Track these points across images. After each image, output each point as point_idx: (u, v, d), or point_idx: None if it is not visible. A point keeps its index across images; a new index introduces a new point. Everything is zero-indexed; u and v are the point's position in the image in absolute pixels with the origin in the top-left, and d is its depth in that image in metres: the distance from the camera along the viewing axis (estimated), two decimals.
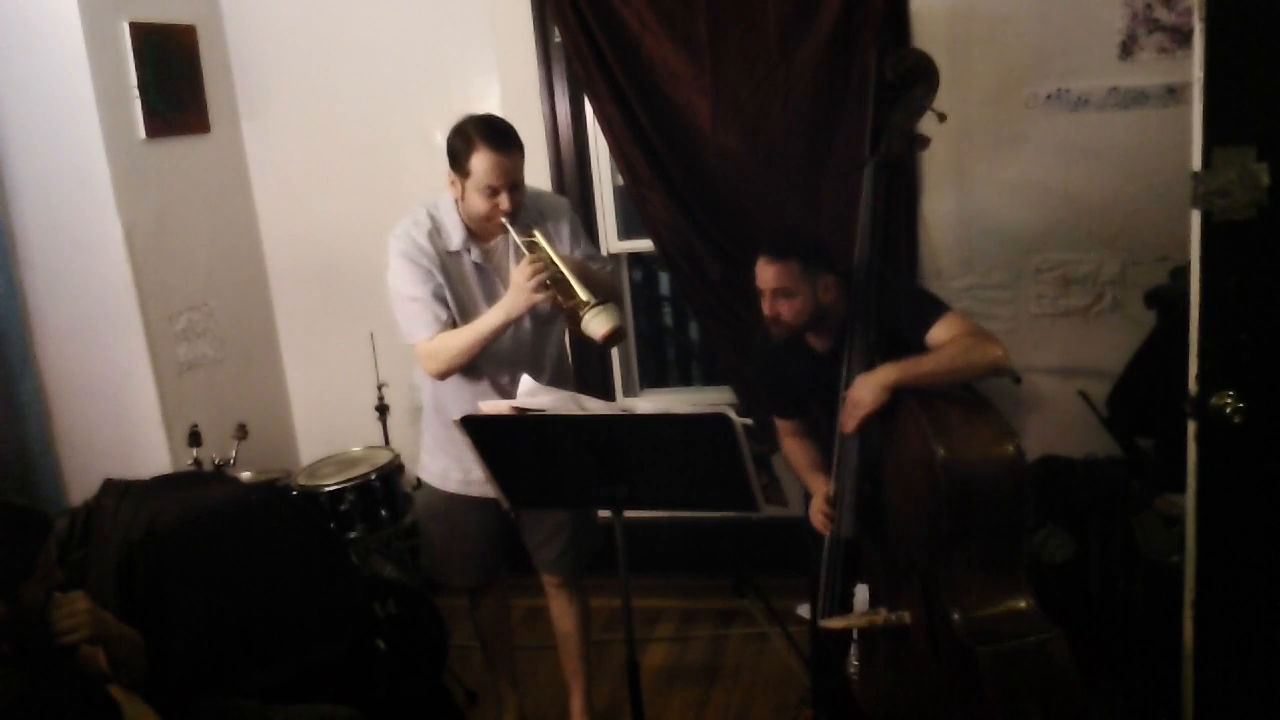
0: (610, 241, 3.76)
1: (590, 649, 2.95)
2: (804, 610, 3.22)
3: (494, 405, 2.20)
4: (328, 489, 3.09)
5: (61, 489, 3.45)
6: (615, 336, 2.30)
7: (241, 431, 3.24)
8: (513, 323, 2.42)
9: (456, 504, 2.69)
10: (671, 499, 2.26)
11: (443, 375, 2.51)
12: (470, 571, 2.82)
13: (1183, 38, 2.98)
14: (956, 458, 2.10)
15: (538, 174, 3.57)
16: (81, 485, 3.31)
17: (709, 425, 1.96)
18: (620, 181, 3.59)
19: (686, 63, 3.27)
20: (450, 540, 2.79)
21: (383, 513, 3.17)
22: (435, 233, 2.52)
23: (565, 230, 2.60)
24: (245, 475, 3.18)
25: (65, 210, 3.32)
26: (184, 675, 2.30)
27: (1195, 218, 1.87)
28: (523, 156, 2.47)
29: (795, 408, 2.72)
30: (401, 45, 3.69)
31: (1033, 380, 3.25)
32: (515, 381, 2.50)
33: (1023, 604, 2.14)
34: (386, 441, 3.63)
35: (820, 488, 2.54)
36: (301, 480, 3.20)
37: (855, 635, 2.52)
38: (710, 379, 4.21)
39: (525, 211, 2.50)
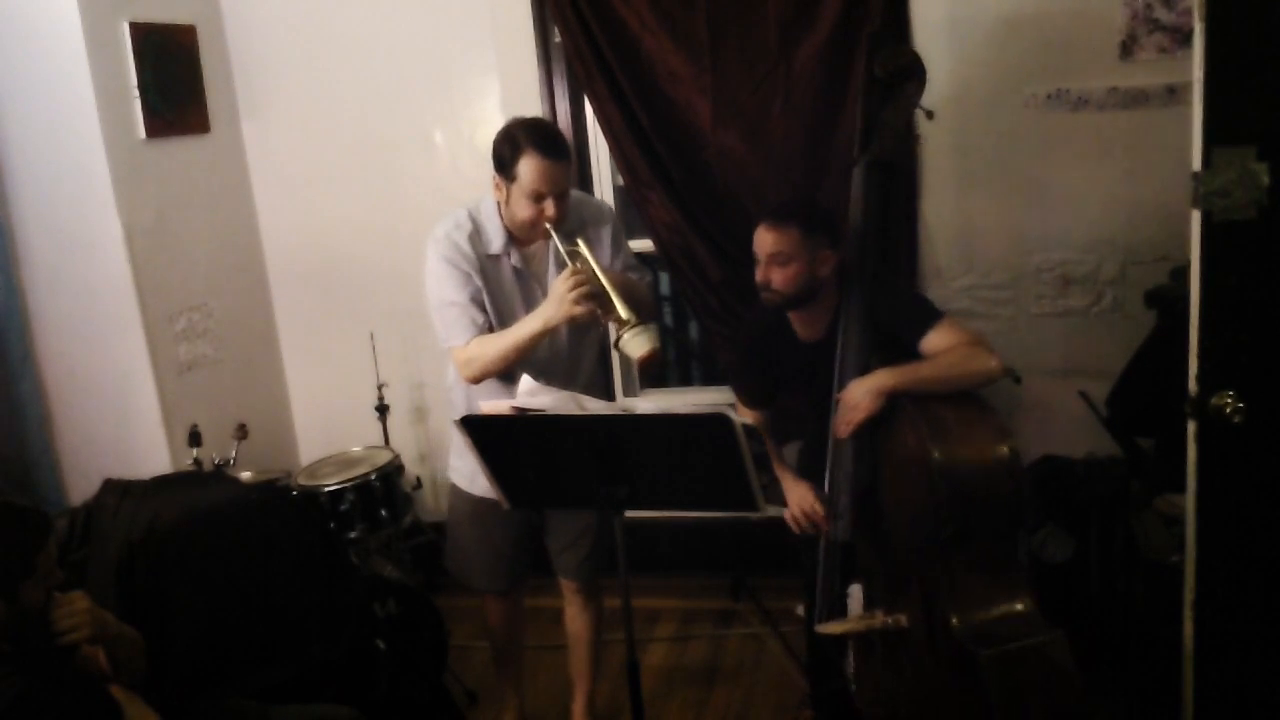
0: None
1: (599, 652, 2.96)
2: (802, 610, 3.21)
3: (494, 405, 2.20)
4: (328, 489, 3.09)
5: (61, 489, 3.45)
6: (652, 358, 2.29)
7: (241, 431, 3.24)
8: (550, 332, 2.40)
9: (485, 508, 2.66)
10: (671, 499, 2.26)
11: (477, 380, 2.48)
12: (497, 575, 2.80)
13: (1183, 38, 2.98)
14: (954, 460, 2.10)
15: None
16: (81, 485, 3.31)
17: (709, 425, 1.96)
18: (620, 181, 3.59)
19: (686, 63, 3.27)
20: (479, 544, 2.77)
21: (383, 513, 3.17)
22: (476, 235, 2.49)
23: (607, 238, 2.58)
24: (245, 475, 3.18)
25: (65, 210, 3.32)
26: (184, 675, 2.30)
27: (1195, 218, 1.87)
28: (571, 163, 2.45)
29: (765, 398, 2.69)
30: (401, 45, 3.69)
31: (1033, 380, 3.24)
32: (554, 384, 2.51)
33: (1021, 605, 2.13)
34: (386, 441, 3.63)
35: (790, 483, 2.51)
36: (301, 480, 3.20)
37: (850, 639, 2.51)
38: (710, 379, 4.21)
39: (568, 217, 2.47)
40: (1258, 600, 2.03)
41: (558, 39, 3.49)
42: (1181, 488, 2.03)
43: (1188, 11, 2.89)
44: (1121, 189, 3.15)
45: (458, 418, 2.68)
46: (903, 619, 2.26)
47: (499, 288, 2.52)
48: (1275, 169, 1.80)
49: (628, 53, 3.31)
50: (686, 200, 3.38)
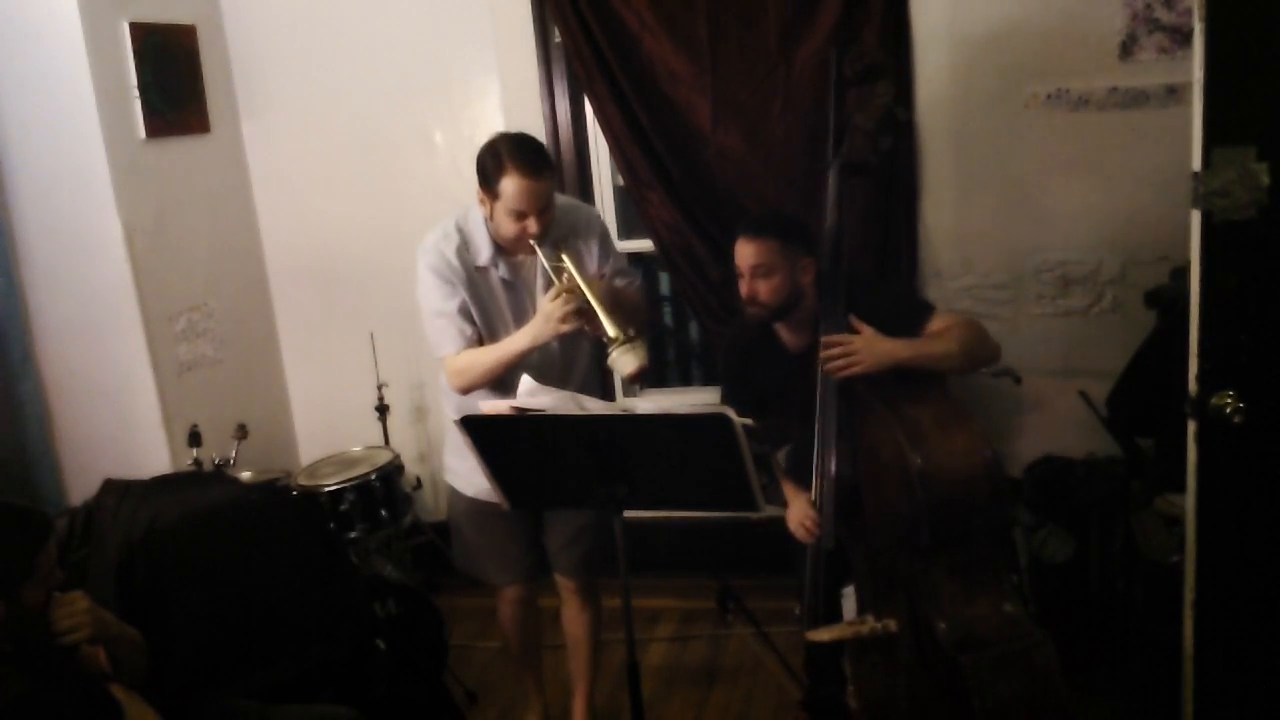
0: None
1: (599, 652, 2.96)
2: (799, 610, 3.21)
3: (494, 405, 2.20)
4: (328, 489, 3.09)
5: (61, 489, 3.45)
6: (641, 374, 2.32)
7: (241, 431, 3.24)
8: (538, 347, 2.42)
9: (485, 506, 2.67)
10: (671, 499, 2.26)
11: (466, 391, 2.50)
12: (508, 570, 2.80)
13: (1183, 38, 2.98)
14: (932, 466, 2.09)
15: None
16: (81, 485, 3.31)
17: (709, 425, 1.96)
18: (620, 181, 3.59)
19: (686, 63, 3.27)
20: (483, 544, 2.77)
21: (383, 513, 3.17)
22: (464, 248, 2.50)
23: (595, 246, 2.58)
24: (245, 475, 3.18)
25: (65, 210, 3.31)
26: (184, 675, 2.30)
27: (1195, 218, 1.87)
28: (554, 179, 2.46)
29: (757, 409, 2.66)
30: (401, 45, 3.69)
31: (1033, 380, 3.25)
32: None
33: (1008, 607, 2.13)
34: (386, 441, 3.64)
35: (790, 494, 2.52)
36: (301, 480, 3.20)
37: (845, 644, 2.51)
38: (710, 379, 4.21)
39: (555, 227, 2.47)
40: (1258, 600, 2.03)
41: (558, 39, 3.49)
42: (1181, 488, 2.03)
43: (1188, 11, 2.89)
44: (1121, 188, 3.15)
45: (456, 418, 2.70)
46: (891, 624, 2.26)
47: (488, 299, 2.53)
48: (1275, 169, 1.80)
49: (628, 53, 3.31)
50: (686, 200, 3.38)
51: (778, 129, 3.26)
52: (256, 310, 4.00)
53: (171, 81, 3.52)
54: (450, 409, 2.66)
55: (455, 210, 2.58)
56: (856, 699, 2.52)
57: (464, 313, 2.48)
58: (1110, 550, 2.94)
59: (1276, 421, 1.90)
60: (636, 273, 2.76)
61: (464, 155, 3.66)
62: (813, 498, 2.45)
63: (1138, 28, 3.05)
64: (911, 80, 3.22)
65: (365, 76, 3.74)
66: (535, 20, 3.53)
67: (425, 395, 3.92)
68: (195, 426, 3.13)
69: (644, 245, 3.66)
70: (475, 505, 2.68)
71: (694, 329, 4.46)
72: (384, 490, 3.18)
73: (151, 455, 3.41)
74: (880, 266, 3.30)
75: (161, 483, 2.61)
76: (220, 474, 3.02)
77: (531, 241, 2.40)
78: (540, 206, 2.38)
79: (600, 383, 2.85)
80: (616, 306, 2.40)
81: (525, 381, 2.24)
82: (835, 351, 2.28)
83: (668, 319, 4.62)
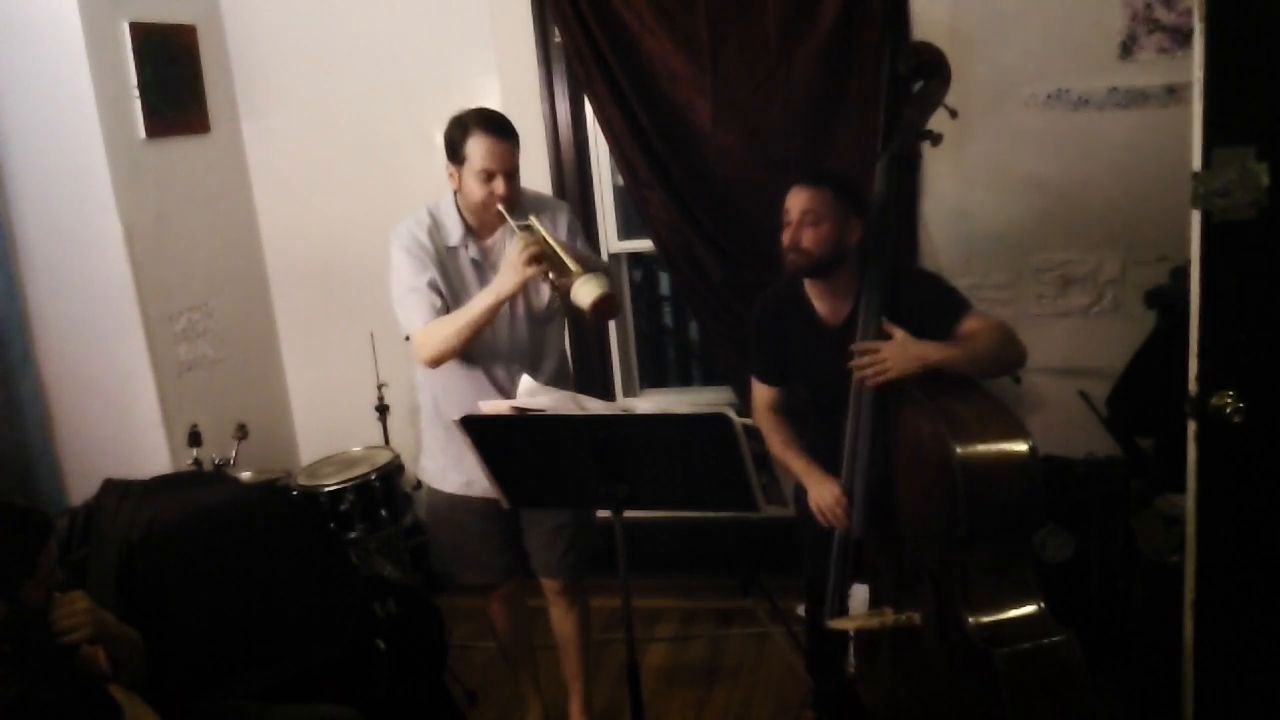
0: (610, 241, 3.76)
1: (590, 651, 2.95)
2: (803, 610, 3.21)
3: (494, 405, 2.20)
4: (328, 489, 3.09)
5: (61, 489, 3.45)
6: (605, 306, 2.27)
7: (241, 431, 3.24)
8: (503, 303, 2.40)
9: (458, 506, 2.69)
10: (671, 499, 2.25)
11: (435, 362, 2.49)
12: (482, 570, 2.80)
13: (1183, 38, 2.98)
14: (974, 457, 2.08)
15: (537, 174, 3.57)
16: (81, 485, 3.31)
17: (709, 425, 1.96)
18: (620, 181, 3.59)
19: (686, 63, 3.28)
20: (457, 542, 2.78)
21: (383, 513, 3.17)
22: (435, 229, 2.55)
23: (563, 228, 2.60)
24: (245, 475, 3.18)
25: (65, 210, 3.32)
26: (184, 675, 2.30)
27: (1195, 218, 1.87)
28: (518, 147, 2.50)
29: (780, 374, 2.65)
30: (401, 45, 3.69)
31: (1033, 380, 3.25)
32: (512, 377, 2.52)
33: (1034, 606, 2.12)
34: (386, 441, 3.63)
35: (819, 478, 2.48)
36: (301, 480, 3.20)
37: (852, 635, 2.51)
38: (710, 379, 4.21)
39: (524, 208, 2.52)
40: (1258, 600, 2.03)
41: (558, 39, 3.49)
42: (1181, 488, 2.03)
43: (1188, 11, 2.89)
44: (1121, 189, 3.15)
45: (429, 420, 2.71)
46: (915, 617, 2.25)
47: (458, 279, 2.55)
48: (1275, 169, 1.80)
49: (628, 53, 3.31)
50: (686, 200, 3.38)
51: (778, 129, 3.26)
52: (256, 310, 4.00)
53: (171, 81, 3.52)
54: (430, 410, 2.67)
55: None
56: (865, 695, 2.52)
57: (433, 288, 2.50)
58: (1110, 550, 2.95)
59: (1276, 421, 1.91)
60: (608, 265, 2.78)
61: None
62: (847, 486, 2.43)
63: (1138, 28, 3.05)
64: None
65: (365, 76, 3.74)
66: (535, 20, 3.54)
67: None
68: (195, 426, 3.13)
69: (644, 245, 3.66)
70: (451, 501, 2.70)
71: (694, 329, 4.46)
72: (384, 490, 3.18)
73: (151, 455, 3.41)
74: None
75: (161, 483, 2.61)
76: (220, 474, 3.02)
77: (500, 208, 2.43)
78: (506, 167, 2.44)
79: (572, 377, 2.84)
80: (581, 257, 2.42)
81: (525, 381, 2.24)
82: (864, 360, 2.29)
83: (668, 319, 4.62)
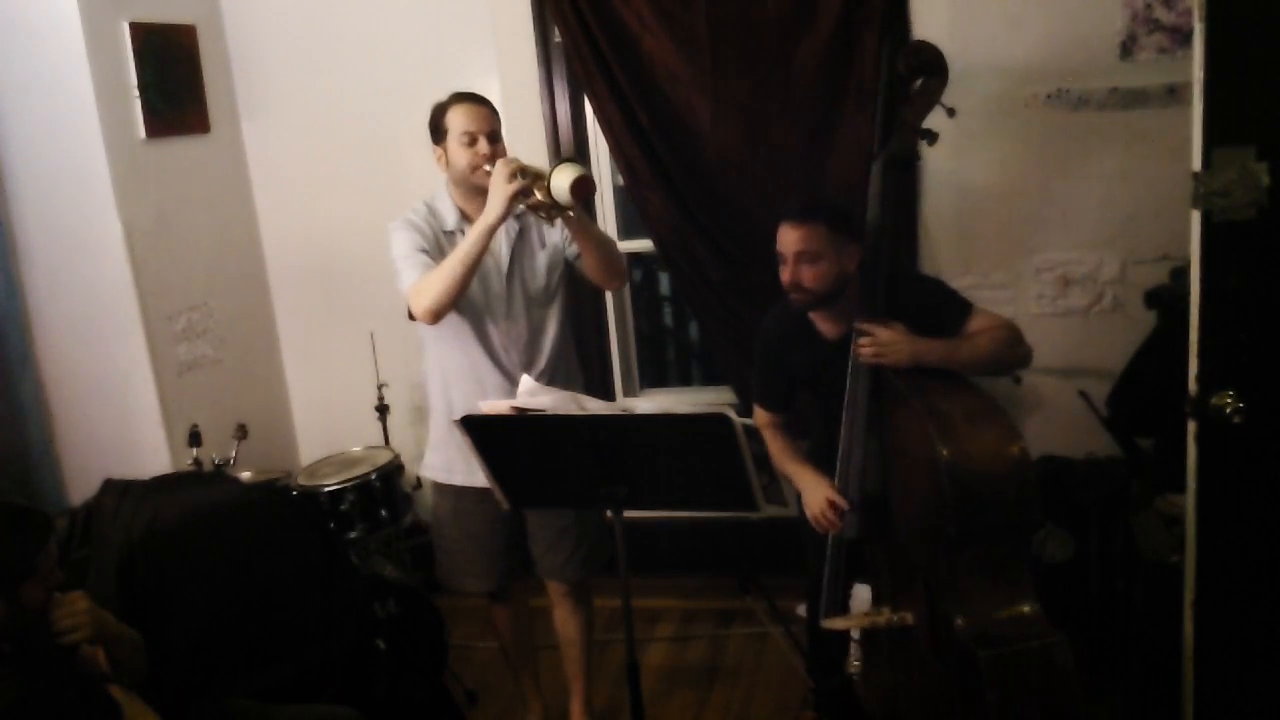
0: None
1: (593, 652, 2.95)
2: (804, 610, 3.22)
3: (494, 405, 2.20)
4: (328, 489, 3.09)
5: (61, 489, 3.45)
6: (583, 187, 2.28)
7: (241, 431, 3.24)
8: (493, 230, 2.38)
9: (464, 500, 2.68)
10: (671, 499, 2.26)
11: (433, 313, 2.43)
12: (486, 574, 2.79)
13: (1183, 38, 2.98)
14: (961, 459, 2.07)
15: None
16: (81, 485, 3.31)
17: (709, 425, 1.96)
18: (620, 181, 3.59)
19: (686, 63, 3.28)
20: (461, 545, 2.77)
21: (383, 513, 3.17)
22: (431, 216, 2.60)
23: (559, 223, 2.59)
24: (245, 475, 3.18)
25: (65, 210, 3.32)
26: (184, 675, 2.30)
27: (1195, 218, 1.87)
28: (497, 116, 2.57)
29: (784, 400, 2.67)
30: (401, 45, 3.69)
31: (1033, 380, 3.25)
32: (513, 359, 2.56)
33: (1026, 608, 2.12)
34: (386, 441, 3.63)
35: (812, 482, 2.50)
36: (301, 480, 3.20)
37: (858, 635, 2.51)
38: (710, 379, 4.21)
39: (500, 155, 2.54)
40: (1258, 600, 2.03)
41: (558, 39, 3.49)
42: (1181, 488, 2.03)
43: (1188, 11, 2.89)
44: (1121, 189, 3.15)
45: (435, 414, 2.71)
46: (908, 616, 2.26)
47: None
48: (1275, 169, 1.80)
49: (628, 53, 3.31)
50: (686, 200, 3.38)
51: (778, 129, 3.26)
52: (256, 310, 4.00)
53: (171, 81, 3.52)
54: (440, 405, 2.67)
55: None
56: (866, 694, 2.52)
57: (427, 254, 2.51)
58: (1110, 550, 2.95)
59: (1276, 421, 1.91)
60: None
61: None
62: (842, 488, 2.44)
63: (1138, 28, 3.05)
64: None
65: (365, 76, 3.74)
66: (535, 20, 3.54)
67: (425, 395, 3.90)
68: (195, 426, 3.13)
69: (644, 245, 3.66)
70: (456, 497, 2.69)
71: (694, 329, 4.46)
72: (384, 490, 3.18)
73: (151, 455, 3.41)
74: None
75: (161, 483, 2.61)
76: (220, 474, 3.02)
77: (487, 168, 2.44)
78: (487, 129, 2.51)
79: (578, 361, 2.83)
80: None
81: (525, 381, 2.24)
82: (864, 341, 2.30)
83: (668, 319, 4.62)
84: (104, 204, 3.29)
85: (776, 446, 2.65)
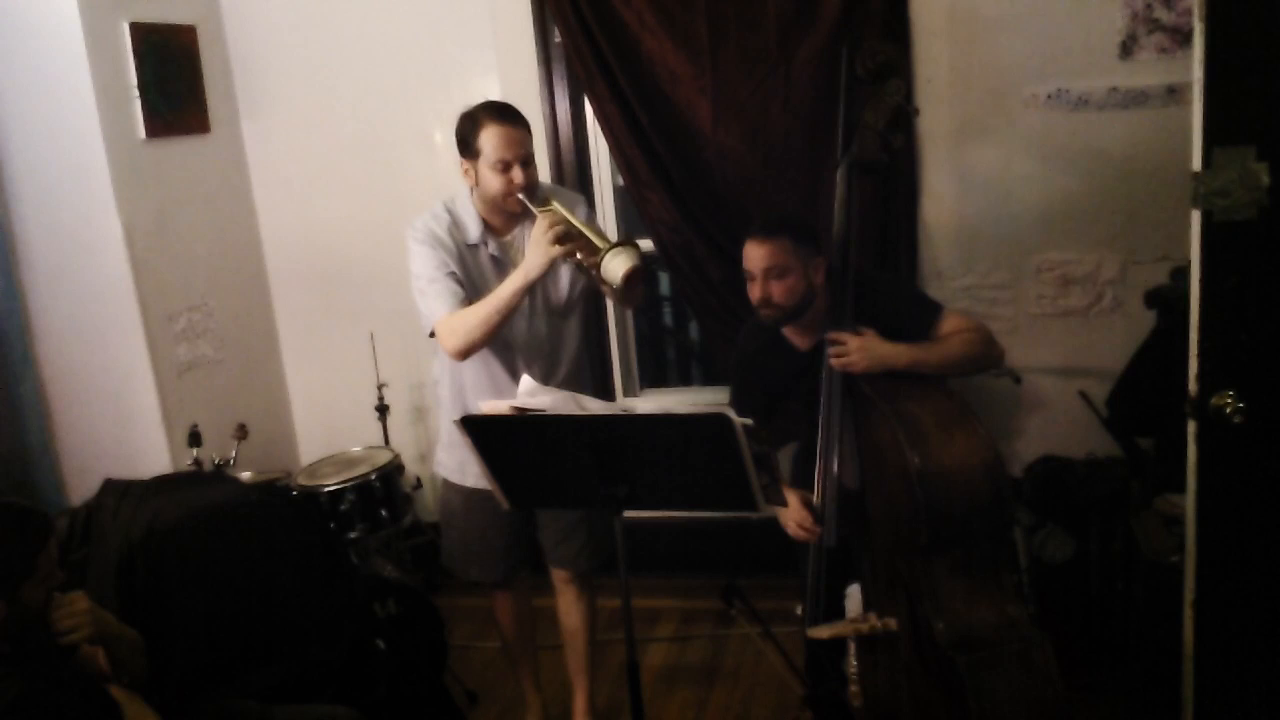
0: None
1: (595, 648, 2.95)
2: (801, 610, 3.21)
3: (493, 405, 2.20)
4: (328, 489, 3.09)
5: (61, 489, 3.45)
6: (636, 278, 2.24)
7: (241, 431, 3.24)
8: (532, 285, 2.38)
9: (476, 499, 2.67)
10: (671, 499, 2.25)
11: (463, 353, 2.45)
12: (492, 566, 2.81)
13: (1183, 38, 2.98)
14: (932, 467, 2.07)
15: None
16: (81, 485, 3.31)
17: (709, 425, 1.96)
18: (620, 181, 3.59)
19: (686, 63, 3.27)
20: (468, 538, 2.78)
21: (383, 513, 3.17)
22: (454, 227, 2.53)
23: (580, 213, 2.57)
24: (245, 475, 3.18)
25: (65, 210, 3.32)
26: (184, 675, 2.30)
27: (1195, 218, 1.87)
28: (530, 133, 2.48)
29: (762, 413, 2.66)
30: (401, 45, 3.69)
31: (1033, 380, 3.25)
32: (535, 369, 2.54)
33: (1008, 610, 2.12)
34: (386, 441, 3.64)
35: (789, 495, 2.49)
36: (301, 480, 3.20)
37: (851, 638, 2.51)
38: (710, 379, 4.21)
39: (541, 195, 2.50)
40: (1258, 600, 2.03)
41: (558, 39, 3.49)
42: (1181, 488, 2.03)
43: (1188, 11, 2.89)
44: (1121, 189, 3.15)
45: (447, 414, 2.71)
46: (892, 623, 2.25)
47: (479, 275, 2.55)
48: (1275, 169, 1.80)
49: (628, 53, 3.31)
50: (686, 200, 3.38)
51: (778, 129, 3.26)
52: (256, 310, 4.00)
53: (171, 81, 3.52)
54: (453, 407, 2.66)
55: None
56: (859, 697, 2.52)
57: (454, 279, 2.48)
58: (1110, 550, 2.94)
59: (1276, 421, 1.91)
60: (629, 235, 2.77)
61: None
62: (815, 496, 2.44)
63: (1138, 28, 3.05)
64: (911, 80, 3.22)
65: (365, 76, 3.75)
66: (535, 20, 3.54)
67: (425, 395, 3.92)
68: (195, 426, 3.13)
69: (644, 245, 3.65)
70: (466, 496, 2.70)
71: (694, 329, 4.46)
72: (384, 490, 3.18)
73: (151, 455, 3.41)
74: (880, 266, 3.30)
75: (161, 483, 2.61)
76: (220, 474, 3.02)
77: (520, 196, 2.42)
78: (521, 155, 2.42)
79: (592, 373, 2.85)
80: (603, 230, 2.41)
81: (525, 381, 2.24)
82: (834, 350, 2.31)
83: (668, 319, 4.62)
84: (104, 204, 3.29)
85: None
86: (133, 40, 3.33)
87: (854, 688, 2.54)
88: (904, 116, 2.47)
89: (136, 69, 3.35)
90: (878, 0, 3.10)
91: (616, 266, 2.24)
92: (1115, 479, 3.00)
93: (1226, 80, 1.80)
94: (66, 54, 3.19)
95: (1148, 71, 3.06)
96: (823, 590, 2.46)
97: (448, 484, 2.77)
